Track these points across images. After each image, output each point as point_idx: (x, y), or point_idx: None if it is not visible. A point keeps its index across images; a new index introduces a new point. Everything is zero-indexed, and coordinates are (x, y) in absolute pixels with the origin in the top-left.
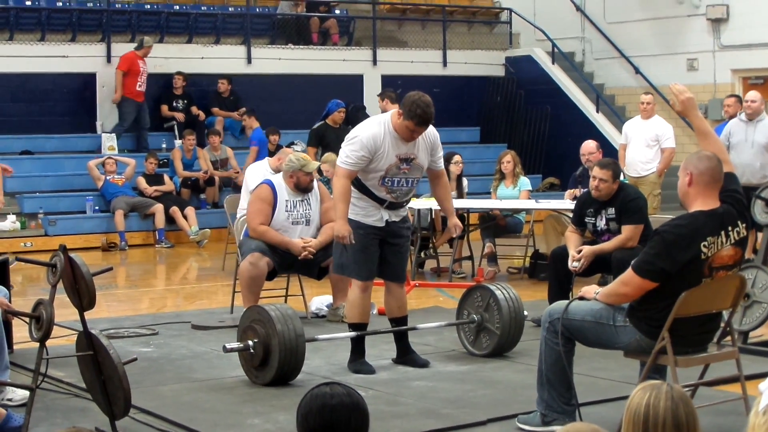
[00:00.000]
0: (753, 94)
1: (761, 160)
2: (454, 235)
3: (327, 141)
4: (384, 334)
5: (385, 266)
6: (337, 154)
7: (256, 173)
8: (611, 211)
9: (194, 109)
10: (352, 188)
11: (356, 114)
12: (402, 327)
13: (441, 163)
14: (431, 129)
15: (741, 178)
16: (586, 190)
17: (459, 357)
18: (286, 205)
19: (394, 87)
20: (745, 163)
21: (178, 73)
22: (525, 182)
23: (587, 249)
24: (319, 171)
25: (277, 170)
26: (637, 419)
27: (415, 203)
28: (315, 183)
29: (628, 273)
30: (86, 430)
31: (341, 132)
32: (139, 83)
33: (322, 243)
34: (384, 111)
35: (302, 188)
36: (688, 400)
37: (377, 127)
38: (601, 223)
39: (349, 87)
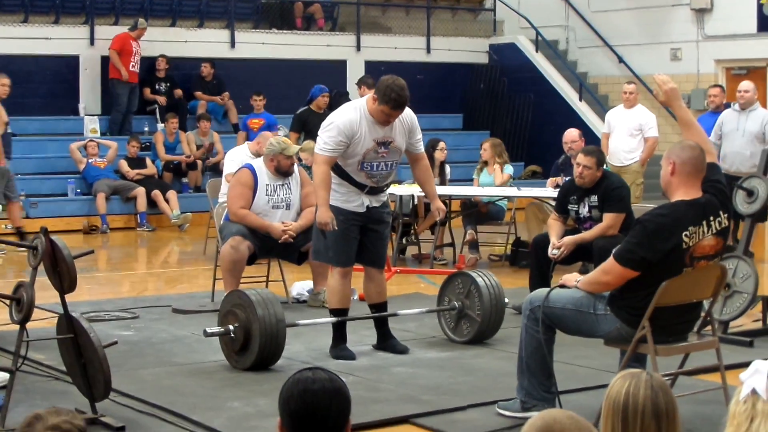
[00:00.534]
0: (746, 84)
1: (751, 148)
2: (438, 219)
3: (310, 126)
4: (364, 320)
5: (364, 252)
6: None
7: (235, 158)
8: (594, 198)
9: (177, 92)
10: (332, 174)
11: (339, 100)
12: (383, 313)
13: (420, 146)
14: (408, 112)
15: (730, 167)
16: (569, 177)
17: (439, 344)
18: (267, 189)
19: (378, 73)
20: (736, 152)
21: (162, 55)
22: (507, 168)
23: (568, 239)
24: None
25: (256, 154)
26: (617, 407)
27: (397, 189)
28: (295, 167)
29: (610, 261)
30: (66, 410)
31: (324, 117)
32: (132, 63)
33: (302, 226)
34: None
35: (283, 172)
36: (668, 389)
37: (353, 112)
38: (584, 211)
39: (333, 72)
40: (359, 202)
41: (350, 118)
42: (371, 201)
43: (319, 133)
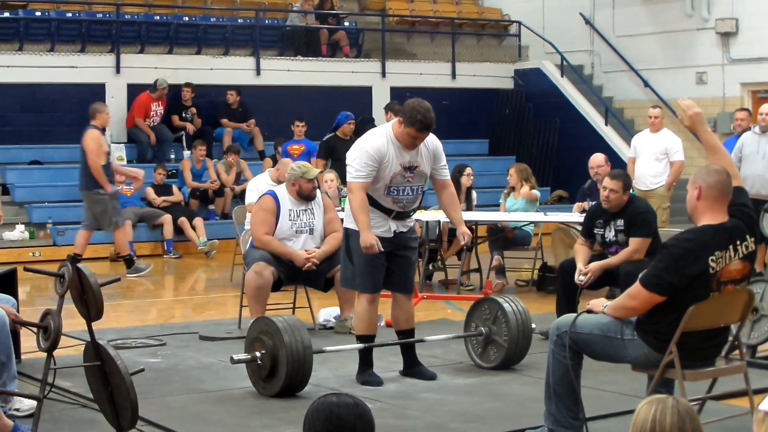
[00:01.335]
0: (767, 107)
1: None
2: (463, 243)
3: (337, 153)
4: (391, 346)
5: (392, 278)
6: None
7: (257, 187)
8: (620, 222)
9: (194, 123)
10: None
11: (365, 126)
12: (410, 339)
13: (446, 173)
14: (432, 137)
15: (751, 190)
16: (595, 202)
17: (467, 369)
18: (290, 215)
19: (403, 99)
20: (756, 174)
21: (186, 84)
22: (534, 191)
23: (594, 265)
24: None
25: (277, 181)
26: None
27: (423, 215)
28: (318, 193)
29: (636, 287)
30: None
31: (351, 144)
32: (148, 123)
33: (326, 253)
34: None
35: (305, 196)
36: (695, 415)
37: (380, 137)
38: (610, 235)
39: (358, 99)
40: (386, 228)
41: (378, 143)
42: (398, 226)
43: (349, 162)
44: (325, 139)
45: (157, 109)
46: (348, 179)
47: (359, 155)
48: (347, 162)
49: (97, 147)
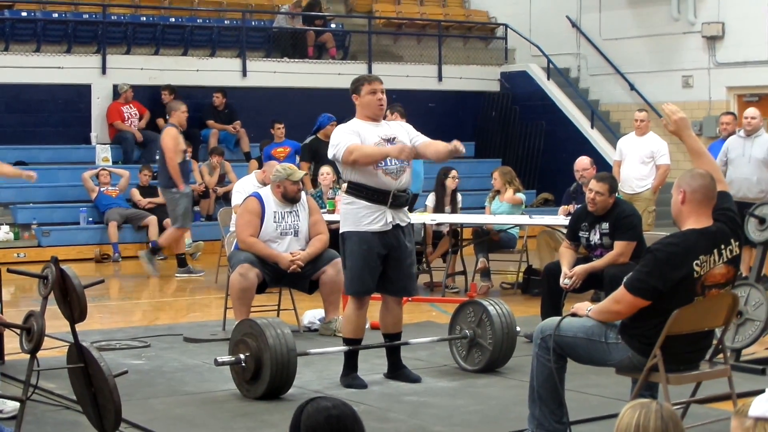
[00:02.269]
0: (752, 111)
1: (758, 174)
2: (461, 149)
3: (320, 155)
4: (376, 348)
5: (387, 282)
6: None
7: (243, 189)
8: (605, 225)
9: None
10: (354, 198)
11: None
12: (394, 342)
13: (423, 137)
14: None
15: (737, 193)
16: (581, 205)
17: (451, 372)
18: (275, 216)
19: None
20: (742, 178)
21: (165, 86)
22: (519, 195)
23: (579, 268)
24: (315, 182)
25: (263, 183)
26: None
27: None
28: (303, 195)
29: (620, 291)
30: None
31: None
32: (128, 123)
33: (310, 255)
34: None
35: (289, 198)
36: (678, 420)
37: (349, 124)
38: (595, 238)
39: (344, 101)
40: (383, 221)
41: (348, 125)
42: (395, 218)
43: (332, 146)
44: (307, 141)
45: (131, 111)
46: (339, 154)
47: (337, 137)
48: (331, 151)
49: (175, 145)
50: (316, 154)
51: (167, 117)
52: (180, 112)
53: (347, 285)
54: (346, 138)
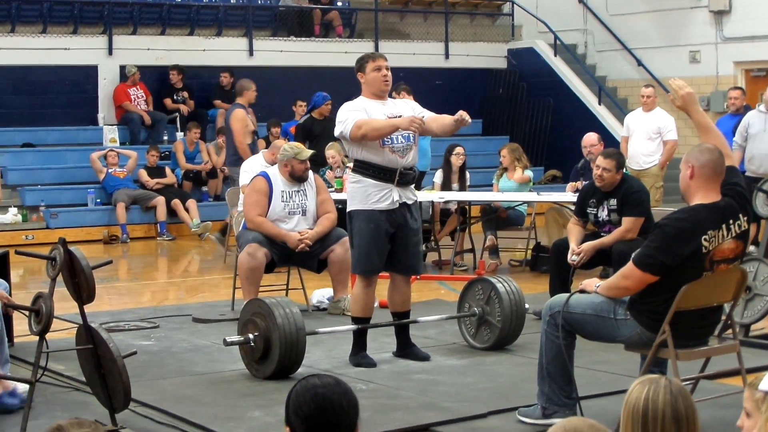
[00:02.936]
0: None
1: None
2: (467, 119)
3: (314, 134)
4: (385, 327)
5: (394, 260)
6: (321, 147)
7: (251, 168)
8: (613, 202)
9: (188, 105)
10: (361, 177)
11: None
12: (403, 320)
13: (429, 112)
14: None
15: (758, 169)
16: (588, 181)
17: (460, 350)
18: (282, 196)
19: (397, 79)
20: (764, 154)
21: (174, 67)
22: (527, 172)
23: (587, 245)
24: (323, 162)
25: (272, 163)
26: (636, 413)
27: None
28: (311, 174)
29: (629, 266)
30: (88, 421)
31: (328, 124)
32: (136, 104)
33: (319, 234)
34: None
35: (297, 177)
36: (687, 394)
37: (355, 101)
38: (603, 214)
39: (351, 80)
40: (390, 199)
41: (354, 102)
42: (401, 196)
43: (339, 122)
44: (301, 121)
45: (138, 93)
46: (347, 130)
47: (343, 113)
48: (338, 129)
49: (243, 126)
50: (310, 133)
51: (237, 97)
52: (251, 92)
53: (355, 264)
54: (354, 114)
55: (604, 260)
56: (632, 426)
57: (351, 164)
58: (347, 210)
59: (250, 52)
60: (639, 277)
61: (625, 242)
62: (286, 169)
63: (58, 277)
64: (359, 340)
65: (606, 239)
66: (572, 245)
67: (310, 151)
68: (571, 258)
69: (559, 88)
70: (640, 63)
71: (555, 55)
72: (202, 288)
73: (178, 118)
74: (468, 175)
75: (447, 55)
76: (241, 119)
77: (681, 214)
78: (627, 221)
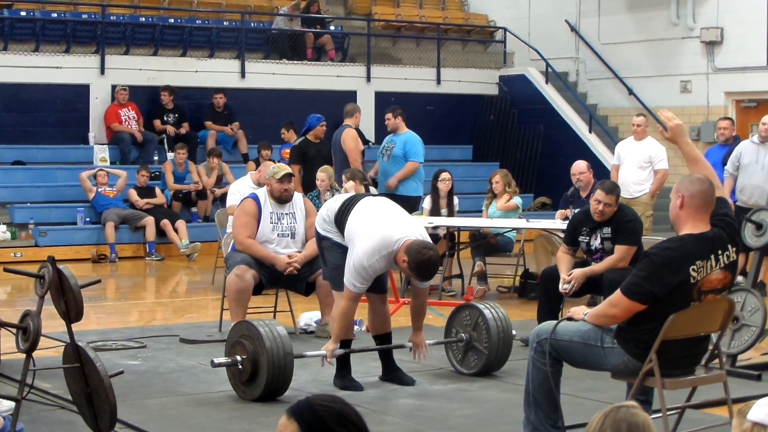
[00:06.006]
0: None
1: None
2: (418, 354)
3: (309, 156)
4: (371, 351)
5: None
6: (316, 169)
7: (238, 190)
8: (607, 230)
9: (182, 127)
10: (328, 218)
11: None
12: (389, 345)
13: (426, 284)
14: None
15: (749, 200)
16: (578, 210)
17: (446, 375)
18: (271, 218)
19: (388, 104)
20: (755, 185)
21: (165, 87)
22: (515, 199)
23: (578, 272)
24: (306, 184)
25: (258, 184)
26: None
27: None
28: (300, 197)
29: (617, 295)
30: None
31: (322, 146)
32: (127, 125)
33: (307, 257)
34: (395, 128)
35: (276, 197)
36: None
37: (381, 260)
38: (596, 242)
39: (343, 103)
40: None
41: (378, 265)
42: None
43: (350, 267)
44: (296, 143)
45: (129, 113)
46: (348, 285)
47: (360, 266)
48: (353, 270)
49: (356, 146)
50: (305, 156)
51: (346, 118)
52: (359, 114)
53: (338, 283)
54: (361, 282)
55: (594, 288)
56: None
57: (343, 188)
58: (316, 230)
59: (242, 74)
60: (627, 306)
61: (616, 271)
62: (269, 190)
63: (46, 295)
64: (344, 362)
65: (597, 267)
66: (563, 274)
67: (287, 169)
68: (563, 287)
69: (549, 116)
70: (631, 92)
71: (546, 83)
72: (189, 309)
73: (165, 140)
74: (456, 200)
75: (439, 81)
76: (354, 138)
77: (670, 244)
78: (620, 249)
